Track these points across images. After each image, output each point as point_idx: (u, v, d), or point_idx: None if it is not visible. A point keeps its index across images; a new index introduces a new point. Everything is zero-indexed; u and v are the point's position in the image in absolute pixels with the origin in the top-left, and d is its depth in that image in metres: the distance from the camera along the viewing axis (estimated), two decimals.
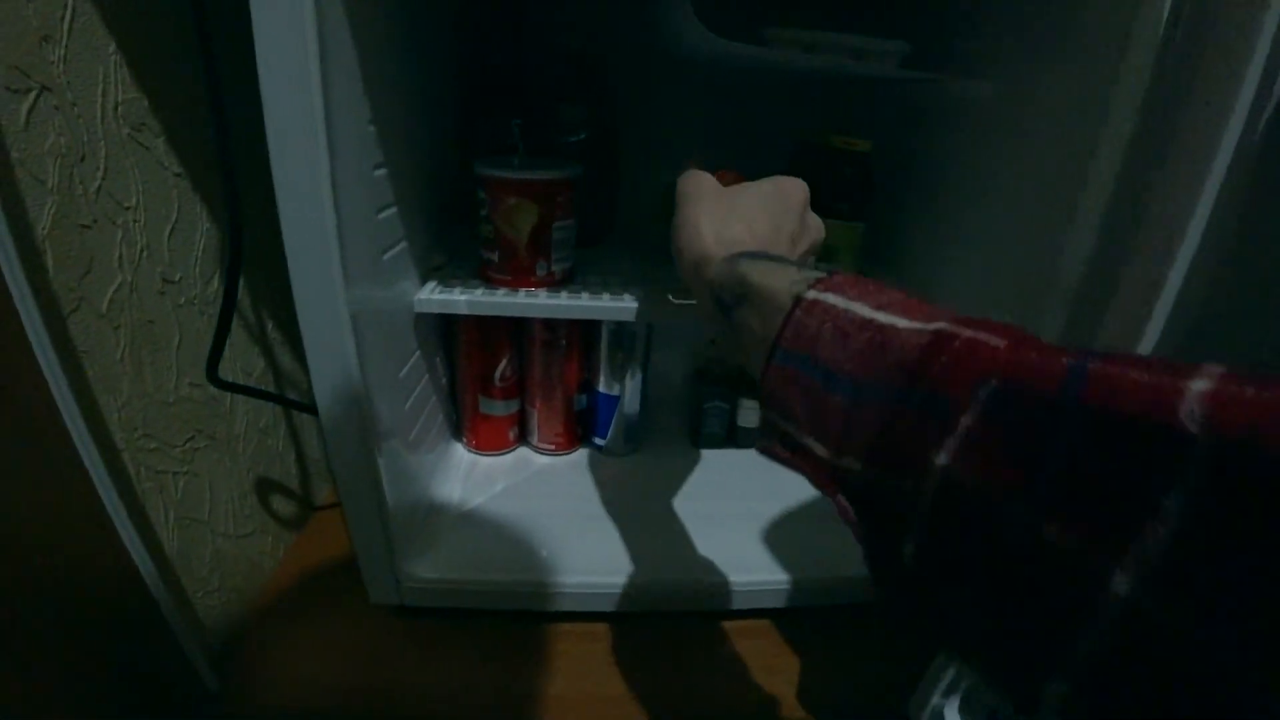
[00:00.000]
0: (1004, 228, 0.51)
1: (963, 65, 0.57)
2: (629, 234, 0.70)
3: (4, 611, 0.35)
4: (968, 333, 0.21)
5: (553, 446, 0.70)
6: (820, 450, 0.25)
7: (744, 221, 0.36)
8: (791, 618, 0.60)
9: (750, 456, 0.75)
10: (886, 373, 0.22)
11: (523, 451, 0.72)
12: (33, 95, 0.35)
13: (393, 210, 0.49)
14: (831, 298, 0.26)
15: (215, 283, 0.52)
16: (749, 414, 0.72)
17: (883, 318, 0.23)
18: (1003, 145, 0.52)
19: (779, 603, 0.59)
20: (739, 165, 0.70)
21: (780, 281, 0.28)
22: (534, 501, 0.64)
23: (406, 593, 0.55)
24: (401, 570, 0.54)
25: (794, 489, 0.69)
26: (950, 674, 0.44)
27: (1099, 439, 0.17)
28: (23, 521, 0.36)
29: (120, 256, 0.42)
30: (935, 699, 0.44)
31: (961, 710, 0.45)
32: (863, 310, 0.24)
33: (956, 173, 0.58)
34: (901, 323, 0.23)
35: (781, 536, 0.63)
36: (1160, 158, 0.36)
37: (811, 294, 0.26)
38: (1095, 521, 0.16)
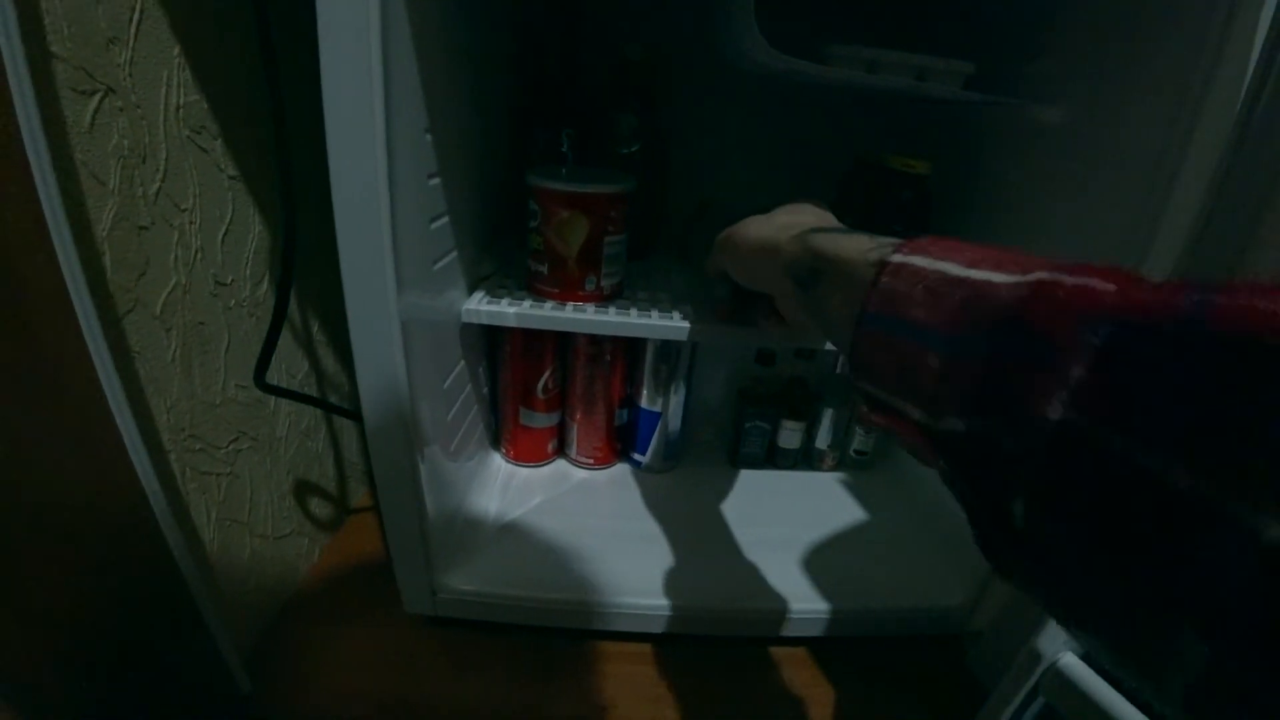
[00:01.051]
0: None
1: (1030, 89, 0.54)
2: (676, 246, 0.68)
3: (49, 604, 0.35)
4: (1071, 279, 0.20)
5: (591, 460, 0.69)
6: (916, 413, 0.24)
7: (799, 213, 0.38)
8: (829, 647, 0.58)
9: (789, 478, 0.73)
10: (985, 327, 0.21)
11: (561, 464, 0.70)
12: (98, 97, 0.35)
13: (445, 220, 0.48)
14: (918, 259, 0.25)
15: (265, 285, 0.52)
16: (790, 435, 0.70)
17: (976, 274, 0.23)
18: (1069, 173, 0.50)
19: (816, 631, 0.57)
20: (793, 181, 0.69)
21: (856, 250, 0.28)
22: (571, 517, 0.63)
23: (441, 604, 0.54)
24: (437, 581, 0.54)
25: (835, 514, 0.67)
26: None
27: (1236, 371, 0.15)
28: (71, 519, 0.36)
29: (175, 258, 0.42)
30: None
31: None
32: (952, 268, 0.24)
33: (1017, 198, 0.56)
34: (997, 277, 0.22)
35: (820, 563, 0.61)
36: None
37: (897, 258, 0.26)
38: (1238, 464, 0.14)
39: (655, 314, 0.53)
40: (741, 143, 0.70)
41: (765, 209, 0.42)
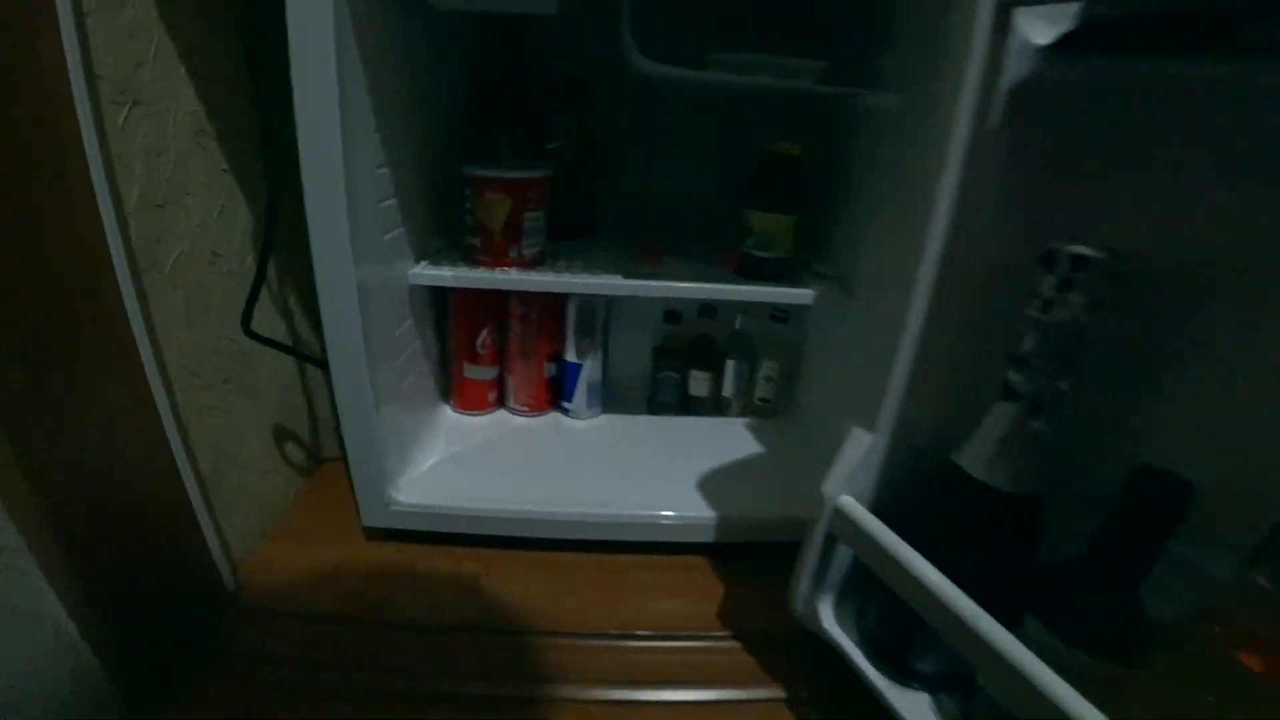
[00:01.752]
0: (898, 220, 0.60)
1: (874, 80, 0.67)
2: (613, 231, 0.82)
3: (70, 500, 0.47)
4: None
5: (526, 408, 0.82)
6: None
7: None
8: (724, 554, 0.70)
9: (699, 422, 0.86)
10: None
11: (501, 413, 0.84)
12: (128, 107, 0.48)
13: (392, 201, 0.62)
14: None
15: (249, 259, 0.64)
16: (699, 384, 0.84)
17: None
18: (893, 147, 0.62)
19: (714, 537, 0.69)
20: (709, 169, 0.82)
21: None
22: (508, 450, 0.76)
23: (394, 515, 0.66)
24: (390, 495, 0.66)
25: (736, 449, 0.80)
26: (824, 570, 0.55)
27: None
28: (99, 441, 0.48)
29: (181, 231, 0.55)
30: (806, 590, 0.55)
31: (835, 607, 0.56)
32: None
33: (867, 170, 0.69)
34: None
35: (718, 484, 0.73)
36: None
37: None
38: None
39: (567, 275, 0.66)
40: (666, 140, 0.83)
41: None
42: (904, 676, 0.52)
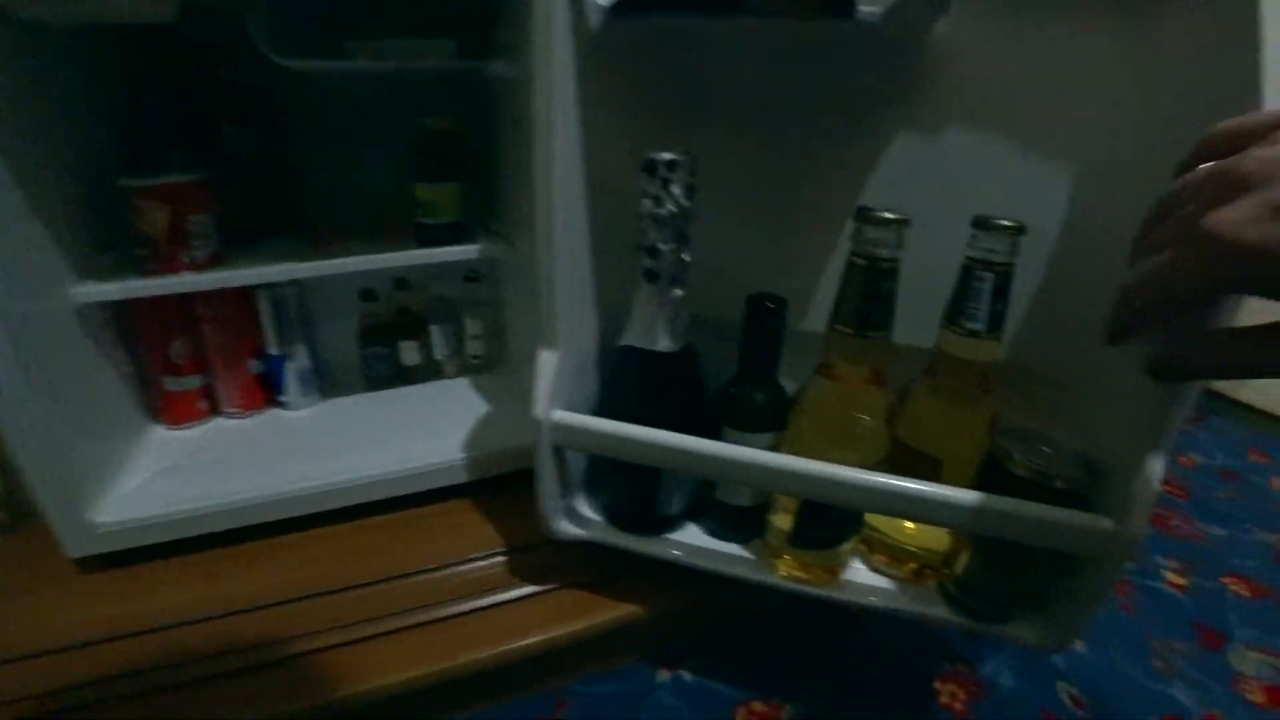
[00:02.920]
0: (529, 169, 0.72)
1: (495, 52, 0.78)
2: (305, 228, 0.86)
3: None
4: None
5: (240, 409, 0.85)
6: None
7: None
8: (465, 492, 0.79)
9: (417, 389, 0.94)
10: None
11: (216, 421, 0.85)
12: None
13: (34, 222, 0.62)
14: None
15: None
16: (409, 353, 0.93)
17: None
18: (517, 107, 0.73)
19: (445, 481, 0.77)
20: (384, 155, 0.90)
21: None
22: (227, 452, 0.79)
23: (102, 539, 0.66)
24: (91, 520, 0.65)
25: (453, 407, 0.89)
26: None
27: None
28: None
29: None
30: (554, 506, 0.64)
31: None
32: None
33: (506, 132, 0.81)
34: None
35: (438, 435, 0.81)
36: None
37: None
38: None
39: (244, 271, 0.73)
40: (342, 131, 0.90)
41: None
42: (657, 530, 0.65)
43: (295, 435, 0.83)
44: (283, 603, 0.66)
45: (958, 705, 0.74)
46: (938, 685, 0.76)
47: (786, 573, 0.60)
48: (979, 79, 0.57)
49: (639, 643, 0.71)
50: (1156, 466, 0.45)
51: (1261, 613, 0.87)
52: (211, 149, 0.79)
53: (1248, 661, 0.82)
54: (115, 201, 0.70)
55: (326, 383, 0.92)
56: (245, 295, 0.80)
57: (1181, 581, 0.92)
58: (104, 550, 0.67)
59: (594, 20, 0.54)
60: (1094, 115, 0.55)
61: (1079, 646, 0.80)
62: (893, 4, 0.53)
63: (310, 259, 0.76)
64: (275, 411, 0.88)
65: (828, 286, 0.58)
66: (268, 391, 0.87)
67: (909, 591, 0.60)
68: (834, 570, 0.60)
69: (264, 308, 0.81)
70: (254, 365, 0.84)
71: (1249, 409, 1.37)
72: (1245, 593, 0.90)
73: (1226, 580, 0.92)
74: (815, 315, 0.64)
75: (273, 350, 0.84)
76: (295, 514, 0.73)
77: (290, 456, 0.79)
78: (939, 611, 0.58)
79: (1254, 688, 0.79)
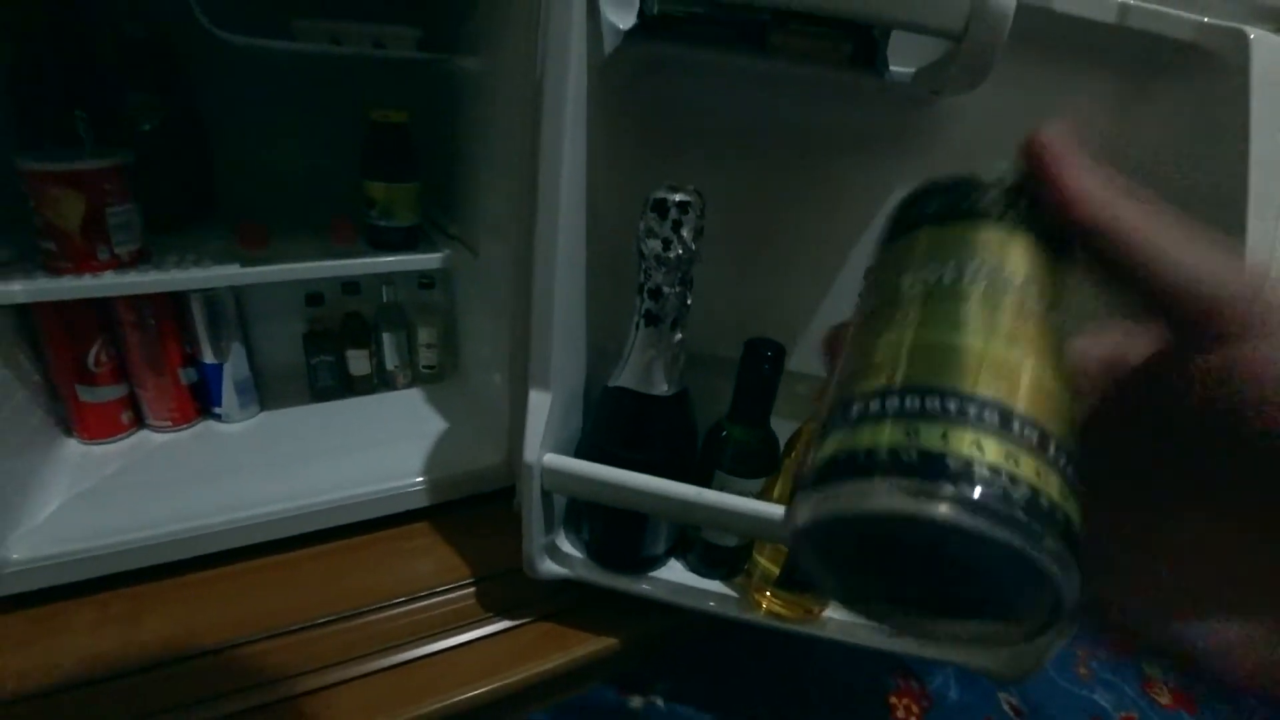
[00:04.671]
0: (503, 179, 0.67)
1: (466, 46, 0.73)
2: (231, 216, 0.76)
3: None
4: None
5: (170, 422, 0.77)
6: None
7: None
8: (423, 515, 0.74)
9: (365, 401, 0.87)
10: None
11: (142, 433, 0.76)
12: None
13: None
14: None
15: None
16: (358, 362, 0.86)
17: None
18: (489, 106, 0.70)
19: (396, 508, 0.72)
20: (325, 142, 0.82)
21: None
22: (153, 472, 0.71)
23: (8, 580, 0.58)
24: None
25: (405, 421, 0.84)
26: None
27: None
28: None
29: None
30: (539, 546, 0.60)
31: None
32: None
33: (470, 131, 0.76)
34: None
35: (389, 456, 0.76)
36: None
37: None
38: None
39: (175, 271, 0.64)
40: (274, 112, 0.81)
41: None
42: (641, 569, 0.64)
43: (232, 451, 0.76)
44: (219, 650, 0.59)
45: (911, 718, 0.78)
46: (893, 700, 0.80)
47: (768, 610, 0.61)
48: (985, 127, 0.57)
49: (613, 670, 0.70)
50: None
51: None
52: (121, 122, 0.69)
53: (1155, 665, 0.90)
54: (5, 183, 0.60)
55: (266, 392, 0.84)
56: (175, 296, 0.71)
57: None
58: (12, 592, 0.59)
59: (609, 43, 0.50)
60: None
61: None
62: (924, 68, 0.52)
63: (255, 263, 0.68)
64: (209, 424, 0.80)
65: (820, 325, 0.57)
66: (201, 402, 0.78)
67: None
68: (815, 611, 0.61)
69: (197, 311, 0.73)
70: (185, 374, 0.75)
71: None
72: None
73: None
74: (808, 354, 0.63)
75: (207, 358, 0.75)
76: (231, 546, 0.66)
77: (226, 475, 0.71)
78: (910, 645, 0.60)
79: (1161, 690, 0.87)
